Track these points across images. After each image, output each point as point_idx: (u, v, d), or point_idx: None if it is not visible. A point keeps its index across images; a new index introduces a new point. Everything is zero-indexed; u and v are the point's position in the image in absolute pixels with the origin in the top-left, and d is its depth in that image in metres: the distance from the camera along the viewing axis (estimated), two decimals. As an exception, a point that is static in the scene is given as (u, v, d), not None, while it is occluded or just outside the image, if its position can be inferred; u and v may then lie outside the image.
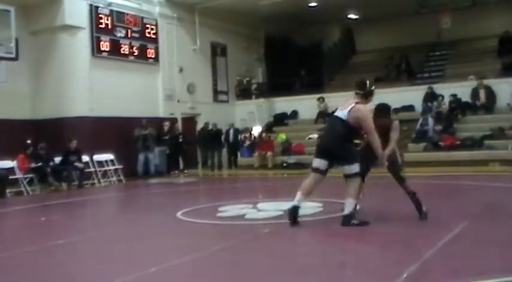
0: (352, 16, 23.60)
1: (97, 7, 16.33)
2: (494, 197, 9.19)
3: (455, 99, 17.84)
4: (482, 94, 17.68)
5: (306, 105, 20.87)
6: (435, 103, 17.90)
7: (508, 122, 16.50)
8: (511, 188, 10.51)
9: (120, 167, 15.54)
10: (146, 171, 16.73)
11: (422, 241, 5.67)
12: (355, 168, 6.41)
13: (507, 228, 6.43)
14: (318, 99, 20.40)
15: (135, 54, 17.43)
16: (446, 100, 17.88)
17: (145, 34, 17.80)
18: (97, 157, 15.16)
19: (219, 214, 8.02)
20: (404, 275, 4.26)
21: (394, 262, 4.85)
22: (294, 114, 21.42)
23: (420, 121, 17.34)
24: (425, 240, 5.62)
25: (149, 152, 16.86)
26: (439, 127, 17.08)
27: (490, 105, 17.61)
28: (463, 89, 17.99)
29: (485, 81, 17.76)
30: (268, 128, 20.34)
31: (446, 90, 18.22)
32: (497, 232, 6.05)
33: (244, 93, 22.50)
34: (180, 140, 17.98)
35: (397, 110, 18.42)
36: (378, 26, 23.99)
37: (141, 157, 16.70)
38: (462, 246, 5.40)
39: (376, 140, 6.34)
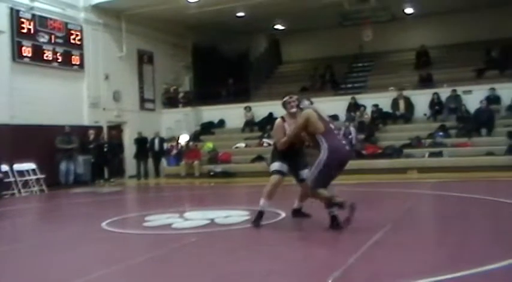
0: (278, 27, 24.02)
1: (18, 11, 15.79)
2: (412, 203, 9.64)
3: (376, 109, 18.54)
4: (401, 104, 18.47)
5: (233, 114, 21.01)
6: (358, 113, 18.52)
7: (425, 131, 17.35)
8: (428, 194, 11.04)
9: (43, 176, 15.04)
10: (67, 181, 16.31)
11: (345, 246, 5.88)
12: (271, 167, 7.11)
13: (424, 233, 6.80)
14: (245, 108, 20.61)
15: (59, 60, 16.96)
16: (369, 110, 18.54)
17: (69, 40, 17.37)
18: (17, 166, 14.59)
19: (145, 224, 7.95)
20: (329, 281, 4.41)
21: (319, 268, 5.01)
22: (221, 123, 21.50)
23: (343, 130, 17.80)
24: (349, 246, 5.83)
25: (71, 161, 16.43)
26: (361, 136, 17.66)
27: (408, 115, 18.43)
28: (384, 100, 18.74)
29: (405, 93, 18.58)
30: (195, 137, 20.30)
31: (368, 100, 18.91)
32: (416, 236, 6.37)
33: (171, 101, 22.32)
34: (105, 149, 17.62)
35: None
36: (303, 37, 24.54)
37: (62, 167, 16.26)
38: (383, 250, 5.63)
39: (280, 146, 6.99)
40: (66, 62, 17.26)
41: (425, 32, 22.75)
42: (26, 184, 14.65)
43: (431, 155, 16.18)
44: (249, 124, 20.54)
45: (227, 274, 4.94)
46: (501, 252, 5.20)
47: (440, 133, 16.97)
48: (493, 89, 17.36)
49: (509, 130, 15.96)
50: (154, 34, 20.90)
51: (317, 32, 23.85)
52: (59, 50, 16.97)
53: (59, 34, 17.02)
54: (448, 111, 17.77)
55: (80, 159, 16.82)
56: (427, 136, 17.12)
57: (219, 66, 23.00)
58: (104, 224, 7.93)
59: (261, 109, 20.46)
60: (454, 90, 17.79)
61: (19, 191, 14.36)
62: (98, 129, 17.99)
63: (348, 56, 23.50)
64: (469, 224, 7.17)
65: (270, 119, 20.18)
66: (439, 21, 22.22)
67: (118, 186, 16.49)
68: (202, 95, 22.37)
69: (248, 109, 20.56)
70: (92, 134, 17.37)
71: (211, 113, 21.59)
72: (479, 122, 16.74)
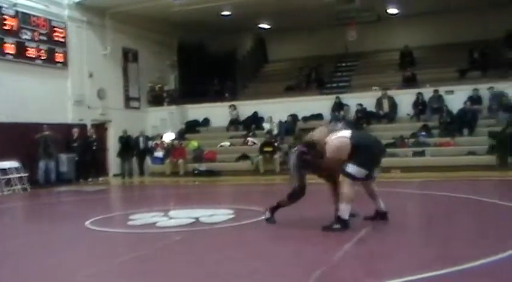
0: (264, 26, 24.04)
1: (1, 7, 15.64)
2: (396, 202, 9.70)
3: (361, 109, 18.65)
4: (385, 104, 18.61)
5: (217, 113, 21.03)
6: (342, 112, 18.63)
7: (409, 130, 17.50)
8: (411, 193, 11.15)
9: (26, 175, 14.92)
10: (48, 180, 16.02)
11: (329, 244, 5.92)
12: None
13: (408, 231, 6.88)
14: (230, 106, 20.62)
15: (43, 57, 16.83)
16: (353, 109, 18.65)
17: (53, 37, 17.25)
18: (0, 164, 14.47)
19: (130, 222, 7.94)
20: (313, 278, 4.45)
21: (304, 265, 5.03)
22: (206, 121, 21.50)
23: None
24: (333, 244, 5.87)
25: (50, 159, 16.10)
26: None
27: (392, 115, 18.57)
28: (368, 99, 18.86)
29: (389, 92, 18.71)
30: (180, 135, 20.28)
31: (353, 100, 19.03)
32: (398, 234, 6.46)
33: (156, 99, 22.25)
34: (94, 147, 17.52)
35: (306, 119, 19.06)
36: (289, 37, 24.55)
37: (41, 165, 15.91)
38: (367, 248, 5.71)
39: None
40: (50, 59, 17.13)
41: (409, 32, 22.90)
42: (8, 182, 14.52)
43: (415, 154, 16.32)
44: (234, 123, 20.56)
45: (212, 273, 4.95)
46: (481, 251, 5.27)
47: (423, 133, 17.12)
48: (476, 89, 17.52)
49: (490, 130, 16.16)
50: (139, 32, 20.81)
51: (302, 32, 23.87)
52: (43, 47, 16.83)
53: (43, 31, 16.88)
54: (431, 111, 17.93)
55: (63, 158, 16.67)
56: (410, 136, 17.26)
57: (205, 64, 22.96)
58: (87, 223, 7.90)
59: (246, 108, 20.52)
60: (436, 91, 17.95)
61: (1, 190, 14.23)
62: (82, 127, 17.88)
63: (333, 55, 23.56)
64: (451, 223, 7.26)
65: (255, 118, 20.28)
66: (423, 22, 22.37)
67: (102, 185, 16.42)
68: (187, 94, 22.34)
69: (233, 108, 20.57)
70: (76, 132, 17.26)
71: (196, 111, 21.59)
72: (462, 122, 16.92)
